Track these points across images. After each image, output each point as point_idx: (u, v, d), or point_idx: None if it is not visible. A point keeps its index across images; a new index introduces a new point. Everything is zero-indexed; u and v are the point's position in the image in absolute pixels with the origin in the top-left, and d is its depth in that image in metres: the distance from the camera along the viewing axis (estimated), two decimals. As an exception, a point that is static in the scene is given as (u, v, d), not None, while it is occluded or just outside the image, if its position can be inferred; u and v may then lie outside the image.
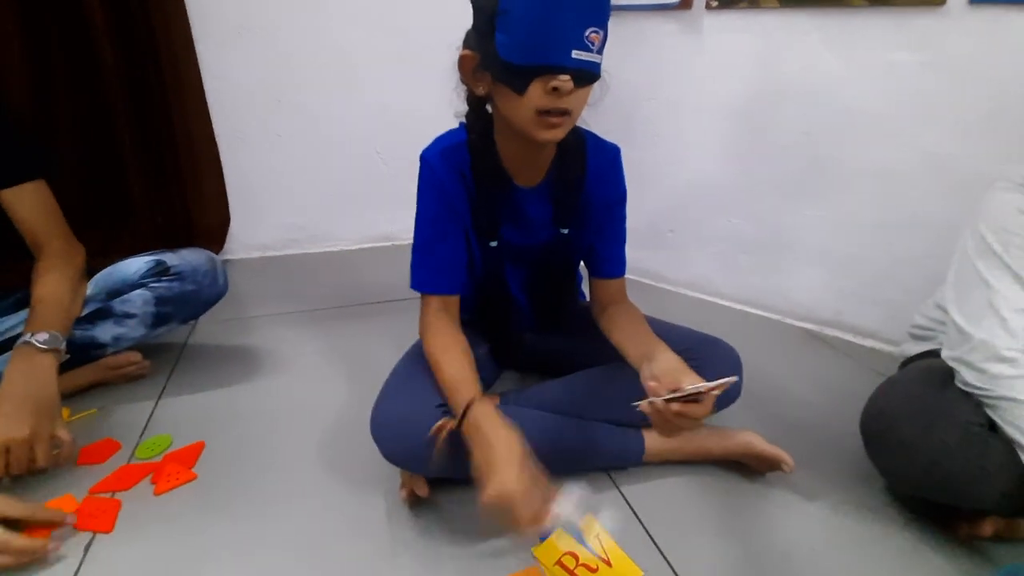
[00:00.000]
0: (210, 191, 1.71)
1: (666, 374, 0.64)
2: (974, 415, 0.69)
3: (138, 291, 0.98)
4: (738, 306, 1.50)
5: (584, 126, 0.80)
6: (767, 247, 1.42)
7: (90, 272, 0.99)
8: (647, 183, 1.52)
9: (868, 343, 1.31)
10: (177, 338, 1.25)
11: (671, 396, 0.60)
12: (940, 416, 0.71)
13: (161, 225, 1.66)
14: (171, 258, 1.03)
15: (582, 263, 0.94)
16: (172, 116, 1.56)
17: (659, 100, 1.49)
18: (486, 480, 0.60)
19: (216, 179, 1.72)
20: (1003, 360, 0.67)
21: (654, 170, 1.52)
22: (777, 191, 1.36)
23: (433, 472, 0.75)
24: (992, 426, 0.69)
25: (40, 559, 0.67)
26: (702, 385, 0.60)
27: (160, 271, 0.99)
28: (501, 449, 0.61)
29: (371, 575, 0.67)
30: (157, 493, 0.79)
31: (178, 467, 0.84)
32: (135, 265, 1.00)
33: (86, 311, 0.96)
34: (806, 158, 1.30)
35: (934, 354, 0.86)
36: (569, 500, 0.61)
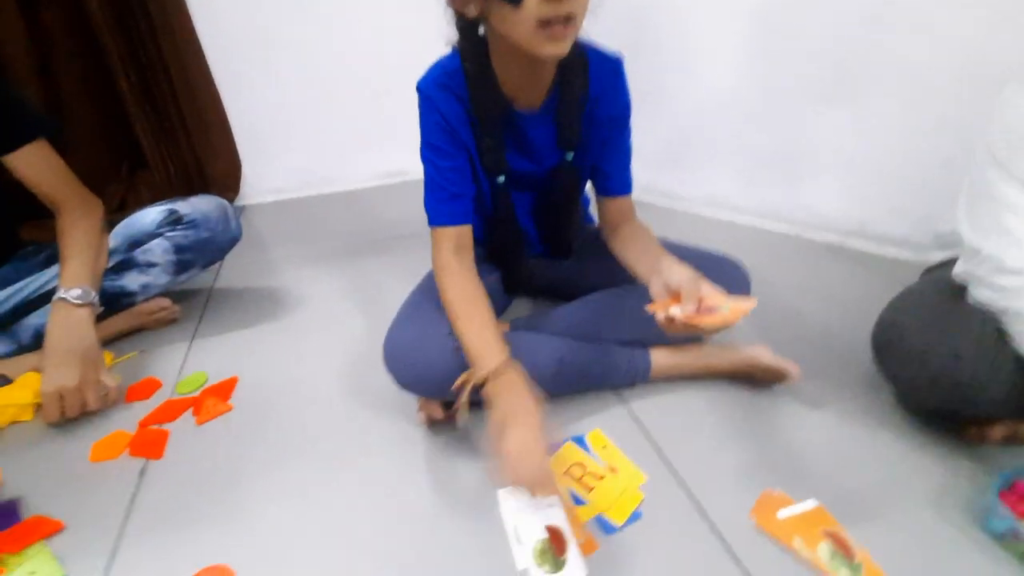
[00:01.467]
0: (217, 137, 1.71)
1: (681, 285, 0.63)
2: (988, 322, 0.68)
3: (156, 240, 1.02)
4: (758, 222, 1.45)
5: (588, 36, 0.75)
6: (788, 158, 1.34)
7: (110, 225, 1.02)
8: (659, 97, 1.44)
9: (892, 252, 1.26)
10: (204, 283, 1.31)
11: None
12: (953, 324, 0.69)
13: (175, 175, 1.69)
14: (183, 207, 1.05)
15: (589, 185, 0.91)
16: (167, 63, 1.54)
17: (668, 4, 1.37)
18: (500, 441, 0.61)
19: (221, 124, 1.71)
20: (1010, 271, 0.65)
21: (666, 82, 1.43)
22: (800, 98, 1.27)
23: (444, 395, 0.79)
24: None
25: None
26: (718, 297, 0.60)
27: (174, 220, 1.02)
28: (521, 415, 0.62)
29: (393, 490, 0.74)
30: (199, 423, 0.87)
31: (215, 400, 0.91)
32: (150, 215, 1.03)
33: (112, 263, 1.00)
34: (831, 61, 1.20)
35: (953, 263, 0.83)
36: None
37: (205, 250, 1.07)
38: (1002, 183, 0.67)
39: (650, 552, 0.64)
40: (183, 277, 1.08)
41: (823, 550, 0.63)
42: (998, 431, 0.74)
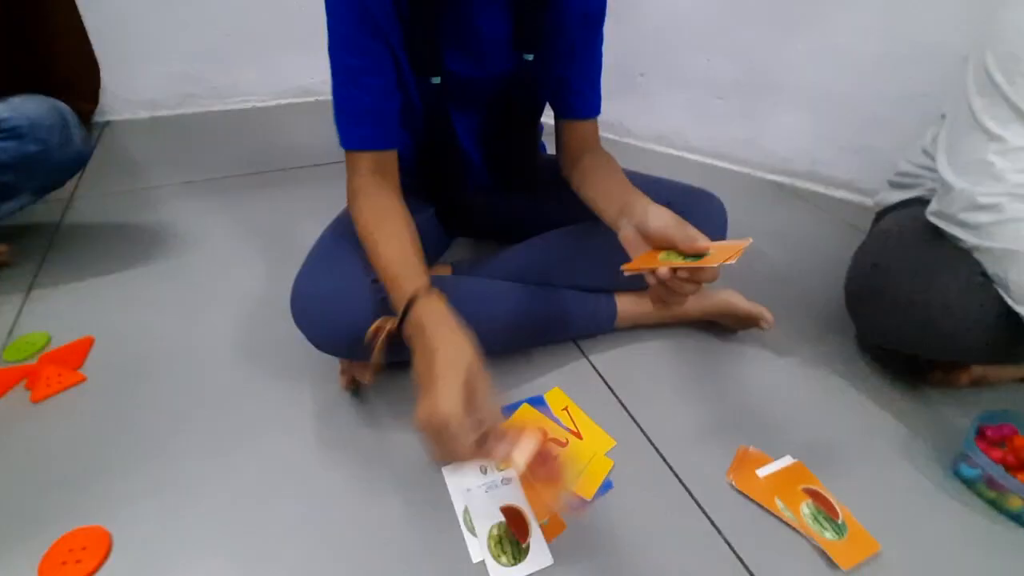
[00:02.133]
0: (63, 32, 1.32)
1: (660, 231, 0.51)
2: (973, 266, 0.63)
3: (-45, 153, 0.73)
4: (709, 160, 1.37)
5: None
6: (746, 89, 1.26)
7: None
8: (620, 13, 1.27)
9: (840, 194, 1.24)
10: (46, 217, 1.01)
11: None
12: (939, 272, 0.64)
13: (5, 74, 1.28)
14: (1, 109, 0.76)
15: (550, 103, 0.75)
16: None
17: None
18: (420, 397, 0.43)
19: (68, 15, 1.32)
20: (981, 208, 0.60)
21: (629, 2, 1.27)
22: (761, 20, 1.17)
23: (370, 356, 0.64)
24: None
25: None
26: (711, 246, 0.49)
27: (-18, 125, 0.74)
28: (443, 358, 0.44)
29: (312, 473, 0.59)
30: (35, 400, 0.65)
31: (59, 369, 0.69)
32: (-57, 118, 0.74)
33: None
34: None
35: (920, 202, 0.78)
36: (527, 447, 0.44)
37: (35, 170, 0.80)
38: (987, 114, 0.61)
39: (625, 528, 0.55)
40: (7, 207, 0.81)
41: (805, 511, 0.57)
42: (965, 375, 0.72)
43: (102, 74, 1.46)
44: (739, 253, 0.48)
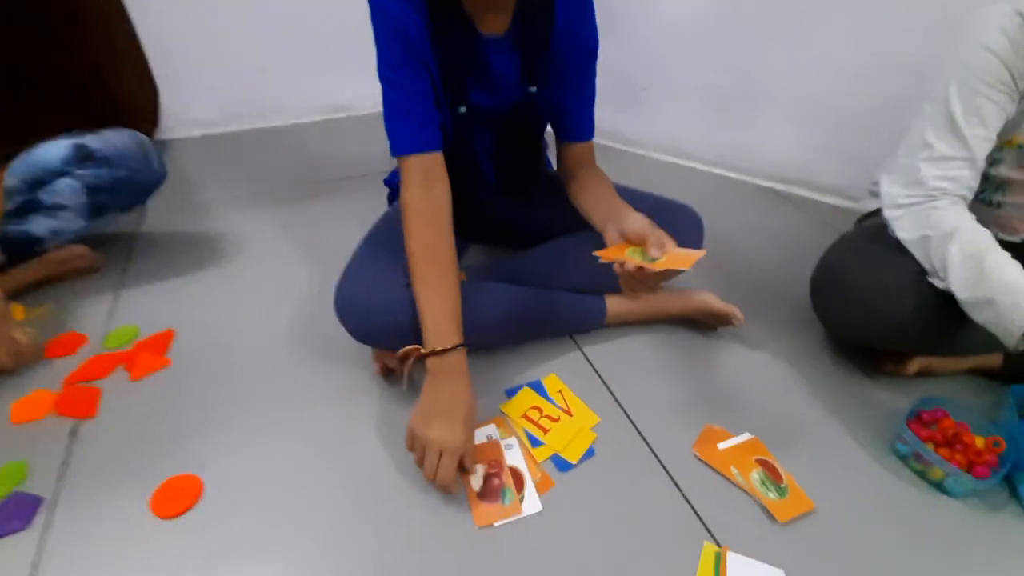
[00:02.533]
0: (127, 60, 1.50)
1: (636, 233, 0.63)
2: (915, 263, 0.73)
3: (64, 180, 0.90)
4: (708, 168, 1.47)
5: None
6: (741, 100, 1.35)
7: (4, 159, 0.90)
8: (619, 32, 1.39)
9: (830, 200, 1.33)
10: (127, 228, 1.19)
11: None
12: (884, 267, 0.74)
13: (77, 99, 1.47)
14: (93, 141, 0.93)
15: (549, 129, 0.88)
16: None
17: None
18: (423, 423, 0.64)
19: (130, 45, 1.50)
20: (900, 207, 0.73)
21: (625, 14, 1.38)
22: (754, 33, 1.26)
23: (401, 347, 0.78)
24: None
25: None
26: (681, 258, 0.61)
27: (83, 156, 0.91)
28: (462, 404, 0.65)
29: (351, 442, 0.73)
30: (134, 379, 0.81)
31: (150, 355, 0.85)
32: (54, 150, 0.91)
33: (11, 205, 0.89)
34: (791, -4, 1.18)
35: None
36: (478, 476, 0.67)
37: (123, 191, 0.97)
38: (928, 121, 0.71)
39: (603, 486, 0.68)
40: (100, 222, 0.98)
41: (755, 476, 0.69)
42: (912, 366, 0.82)
43: (160, 97, 1.65)
44: (692, 262, 0.59)
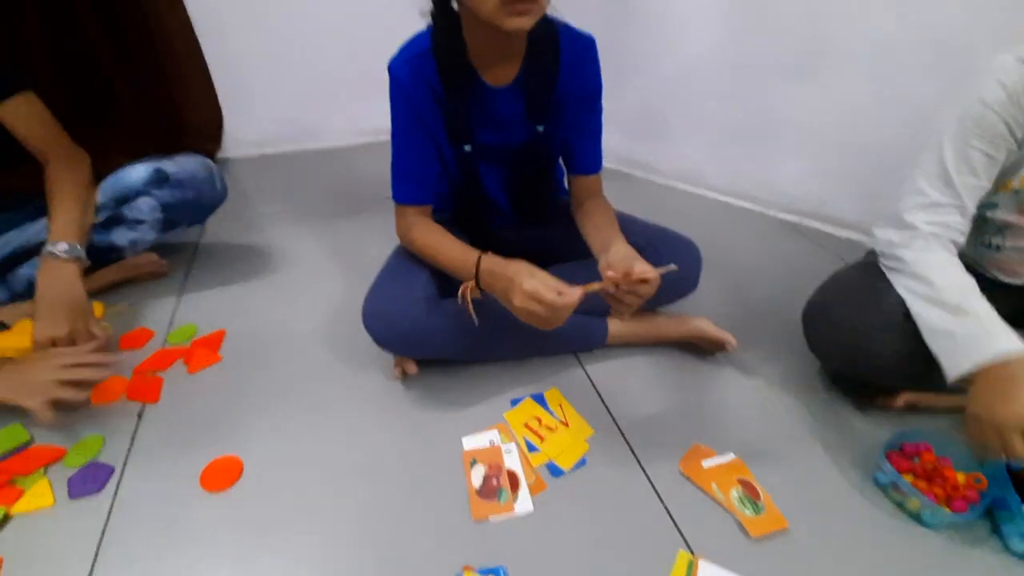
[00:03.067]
0: (196, 85, 1.69)
1: (618, 261, 0.71)
2: (895, 304, 0.77)
3: (143, 198, 1.05)
4: (726, 198, 1.52)
5: (577, 3, 0.78)
6: (758, 134, 1.40)
7: (96, 177, 1.05)
8: (641, 67, 1.47)
9: (845, 234, 1.35)
10: (190, 238, 1.35)
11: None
12: (869, 303, 0.78)
13: (152, 125, 1.67)
14: (169, 166, 1.08)
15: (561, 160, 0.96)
16: (142, 5, 1.50)
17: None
18: (512, 292, 0.69)
19: (199, 71, 1.69)
20: (895, 246, 0.77)
21: (649, 52, 1.46)
22: (771, 73, 1.31)
23: (418, 354, 0.88)
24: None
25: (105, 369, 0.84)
26: (647, 272, 0.68)
27: (160, 179, 1.06)
28: (516, 267, 0.70)
29: (371, 435, 0.83)
30: (191, 372, 0.94)
31: (206, 351, 0.98)
32: (136, 173, 1.06)
33: (100, 218, 1.04)
34: (802, 37, 1.24)
35: None
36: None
37: (191, 210, 1.11)
38: (923, 168, 0.75)
39: (591, 493, 0.74)
40: (170, 234, 1.13)
41: (734, 494, 0.74)
42: (901, 400, 0.85)
43: (223, 120, 1.83)
44: (648, 278, 0.67)
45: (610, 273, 0.69)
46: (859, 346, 0.78)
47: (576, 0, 0.78)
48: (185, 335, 1.02)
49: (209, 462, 0.77)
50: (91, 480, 0.74)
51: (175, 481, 0.75)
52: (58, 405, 0.77)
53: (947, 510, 0.69)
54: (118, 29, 1.52)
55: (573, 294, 0.67)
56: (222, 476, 0.75)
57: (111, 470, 0.76)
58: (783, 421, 0.86)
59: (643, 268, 0.68)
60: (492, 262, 0.74)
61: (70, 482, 0.74)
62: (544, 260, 1.01)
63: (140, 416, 0.85)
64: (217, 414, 0.86)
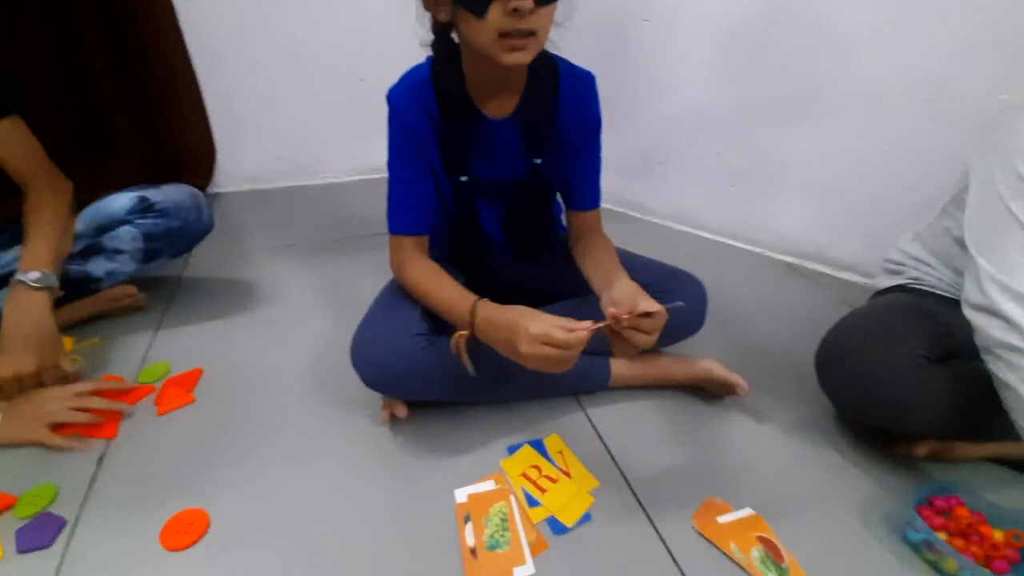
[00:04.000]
0: (192, 121, 1.68)
1: (623, 298, 0.67)
2: (920, 347, 0.73)
3: (125, 227, 1.01)
4: (722, 239, 1.51)
5: (575, 46, 0.77)
6: (755, 177, 1.40)
7: (78, 205, 1.01)
8: (638, 111, 1.49)
9: (845, 276, 1.33)
10: (172, 271, 1.29)
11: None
12: (887, 346, 0.75)
13: (147, 157, 1.65)
14: (154, 194, 1.04)
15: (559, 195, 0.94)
16: (145, 40, 1.51)
17: (653, 20, 1.41)
18: (517, 340, 0.64)
19: (196, 106, 1.69)
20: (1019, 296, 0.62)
21: (646, 96, 1.48)
22: (768, 118, 1.33)
23: (409, 396, 0.82)
24: (935, 358, 0.73)
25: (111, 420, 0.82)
26: (652, 306, 0.64)
27: (144, 207, 1.01)
28: (521, 314, 0.65)
29: (354, 487, 0.75)
30: (160, 413, 0.86)
31: (178, 391, 0.91)
32: (120, 201, 1.02)
33: (78, 247, 0.99)
34: (798, 83, 1.26)
35: (902, 289, 0.89)
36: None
37: (175, 240, 1.06)
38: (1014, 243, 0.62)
39: (597, 553, 0.67)
40: (151, 265, 1.07)
41: (755, 554, 0.67)
42: (923, 448, 0.80)
43: (216, 155, 1.82)
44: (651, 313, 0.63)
45: (613, 310, 0.65)
46: (878, 392, 0.74)
47: (572, 41, 0.77)
48: (157, 373, 0.95)
49: (172, 516, 0.69)
50: (40, 534, 0.66)
51: (133, 537, 0.67)
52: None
53: (988, 571, 0.63)
54: (121, 61, 1.51)
55: (583, 328, 0.62)
56: (185, 532, 0.67)
57: (62, 523, 0.68)
58: (801, 472, 0.80)
59: (648, 303, 0.64)
60: (489, 310, 0.69)
61: (18, 534, 0.66)
62: (541, 298, 0.97)
63: (100, 462, 0.77)
64: (186, 461, 0.78)
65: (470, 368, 0.72)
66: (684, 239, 1.53)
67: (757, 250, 1.45)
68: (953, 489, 0.73)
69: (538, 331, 0.62)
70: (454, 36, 0.74)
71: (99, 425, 0.82)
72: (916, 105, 1.13)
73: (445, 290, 0.76)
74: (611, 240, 0.89)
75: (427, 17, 0.73)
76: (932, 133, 1.13)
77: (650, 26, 1.42)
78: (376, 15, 1.72)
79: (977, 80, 1.05)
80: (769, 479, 0.79)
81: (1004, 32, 1.00)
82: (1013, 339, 0.61)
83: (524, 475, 0.77)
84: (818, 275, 1.35)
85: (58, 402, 0.81)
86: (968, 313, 0.67)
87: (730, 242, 1.50)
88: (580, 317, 0.90)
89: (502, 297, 1.12)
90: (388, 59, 1.77)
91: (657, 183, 1.57)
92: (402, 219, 0.81)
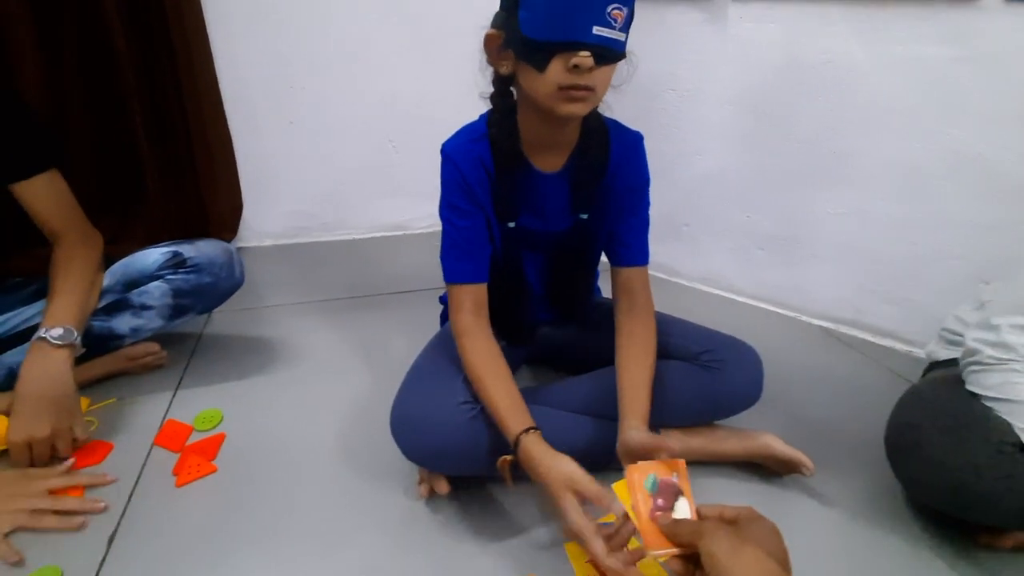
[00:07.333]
0: (223, 178, 1.70)
1: (639, 447, 0.67)
2: (1005, 433, 0.68)
3: (155, 283, 0.98)
4: (753, 302, 1.48)
5: (606, 113, 0.79)
6: (784, 242, 1.40)
7: (107, 260, 0.99)
8: (665, 175, 1.50)
9: (886, 343, 1.30)
10: (193, 328, 1.25)
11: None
12: (970, 433, 0.70)
13: (174, 212, 1.66)
14: (188, 250, 1.02)
15: (604, 257, 0.92)
16: (184, 103, 1.55)
17: (679, 90, 1.46)
18: (551, 502, 0.63)
19: (229, 166, 1.71)
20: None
21: (672, 161, 1.50)
22: (796, 185, 1.34)
23: (455, 471, 0.76)
24: (1019, 444, 0.68)
25: (84, 518, 0.73)
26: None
27: (177, 263, 0.99)
28: (555, 483, 0.63)
29: (388, 573, 0.68)
30: (179, 485, 0.80)
31: (199, 459, 0.85)
32: (152, 256, 1.00)
33: (104, 302, 0.96)
34: (827, 152, 1.28)
35: (959, 362, 0.85)
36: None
37: (205, 296, 1.04)
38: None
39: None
40: (177, 322, 1.04)
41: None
42: (1009, 540, 0.73)
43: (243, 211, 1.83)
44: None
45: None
46: (964, 485, 0.68)
47: (602, 108, 0.78)
48: (211, 422, 0.90)
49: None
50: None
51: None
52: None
53: None
54: (160, 119, 1.55)
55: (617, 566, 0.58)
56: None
57: (64, 617, 0.60)
58: (872, 564, 0.73)
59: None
60: (534, 448, 0.66)
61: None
62: (581, 362, 0.94)
63: (111, 542, 0.70)
64: (204, 542, 0.71)
65: (510, 484, 0.70)
66: (712, 300, 1.51)
67: (791, 314, 1.43)
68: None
69: (573, 527, 0.60)
70: (513, 92, 0.75)
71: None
72: (948, 174, 1.14)
73: (499, 392, 0.72)
74: (653, 317, 0.85)
75: (489, 71, 0.74)
76: (966, 201, 1.13)
77: (676, 95, 1.46)
78: (404, 80, 1.78)
79: (1011, 150, 1.06)
80: (841, 570, 0.71)
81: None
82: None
83: (590, 562, 0.69)
84: (859, 342, 1.31)
85: (26, 500, 0.72)
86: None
87: (762, 305, 1.47)
88: (604, 404, 0.85)
89: (536, 359, 1.10)
90: (413, 124, 1.84)
91: (684, 245, 1.57)
92: (460, 267, 0.79)
